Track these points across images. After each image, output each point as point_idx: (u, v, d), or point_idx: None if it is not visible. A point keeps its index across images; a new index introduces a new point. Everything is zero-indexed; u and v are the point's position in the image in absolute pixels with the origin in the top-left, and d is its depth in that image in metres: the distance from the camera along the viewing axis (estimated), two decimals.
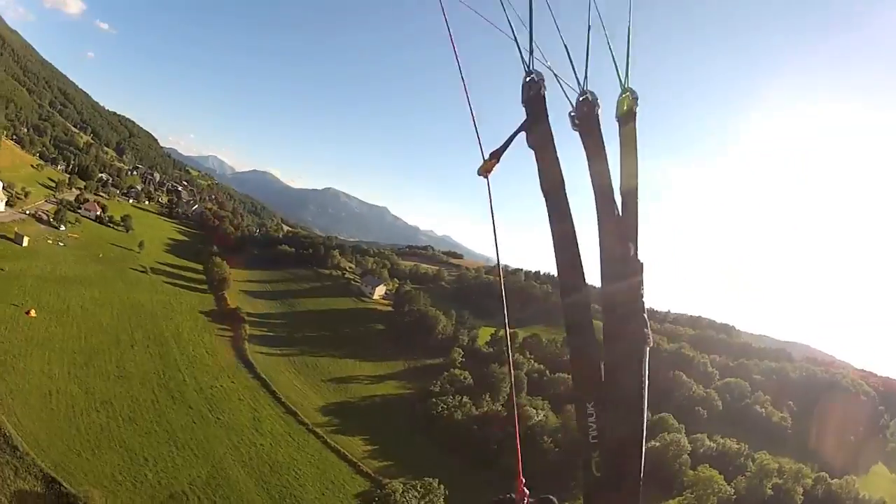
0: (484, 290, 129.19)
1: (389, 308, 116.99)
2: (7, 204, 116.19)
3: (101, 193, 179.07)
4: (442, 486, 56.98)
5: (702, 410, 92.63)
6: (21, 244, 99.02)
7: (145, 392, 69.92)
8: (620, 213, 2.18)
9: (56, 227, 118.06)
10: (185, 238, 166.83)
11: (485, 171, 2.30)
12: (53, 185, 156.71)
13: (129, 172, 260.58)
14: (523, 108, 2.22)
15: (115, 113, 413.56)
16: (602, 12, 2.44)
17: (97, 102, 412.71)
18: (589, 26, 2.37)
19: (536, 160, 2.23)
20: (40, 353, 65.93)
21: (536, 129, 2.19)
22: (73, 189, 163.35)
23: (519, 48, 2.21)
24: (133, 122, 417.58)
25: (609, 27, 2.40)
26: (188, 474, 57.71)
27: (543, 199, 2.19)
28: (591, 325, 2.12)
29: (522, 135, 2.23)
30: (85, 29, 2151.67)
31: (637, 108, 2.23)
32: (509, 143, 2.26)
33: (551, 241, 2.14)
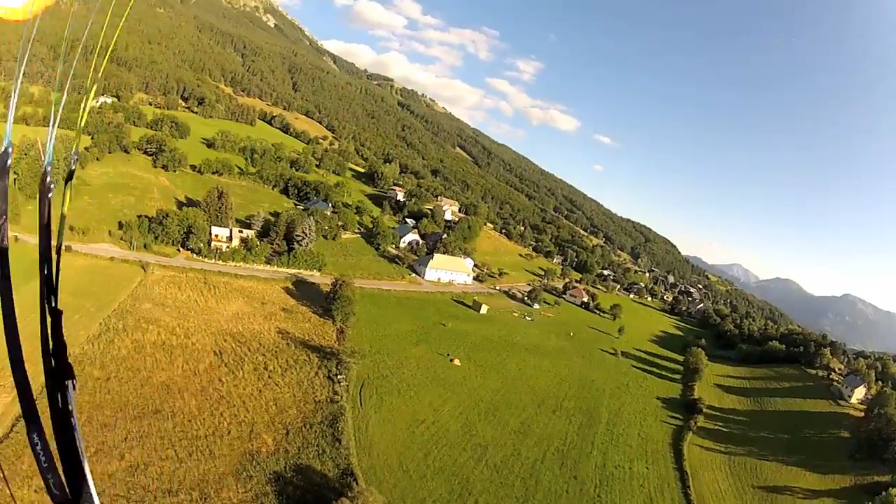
0: None
1: (862, 413, 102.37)
2: (476, 279, 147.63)
3: (599, 286, 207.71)
4: None
5: None
6: (478, 311, 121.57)
7: (536, 451, 71.43)
8: None
9: (528, 305, 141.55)
10: (679, 333, 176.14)
11: None
12: (542, 272, 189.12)
13: (639, 272, 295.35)
14: None
15: (629, 220, 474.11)
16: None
17: (609, 210, 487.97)
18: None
19: None
20: (439, 391, 78.27)
21: None
22: (565, 278, 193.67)
23: None
24: (649, 229, 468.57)
25: None
26: None
27: None
28: None
29: None
30: (586, 142, 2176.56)
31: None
32: None
33: None
